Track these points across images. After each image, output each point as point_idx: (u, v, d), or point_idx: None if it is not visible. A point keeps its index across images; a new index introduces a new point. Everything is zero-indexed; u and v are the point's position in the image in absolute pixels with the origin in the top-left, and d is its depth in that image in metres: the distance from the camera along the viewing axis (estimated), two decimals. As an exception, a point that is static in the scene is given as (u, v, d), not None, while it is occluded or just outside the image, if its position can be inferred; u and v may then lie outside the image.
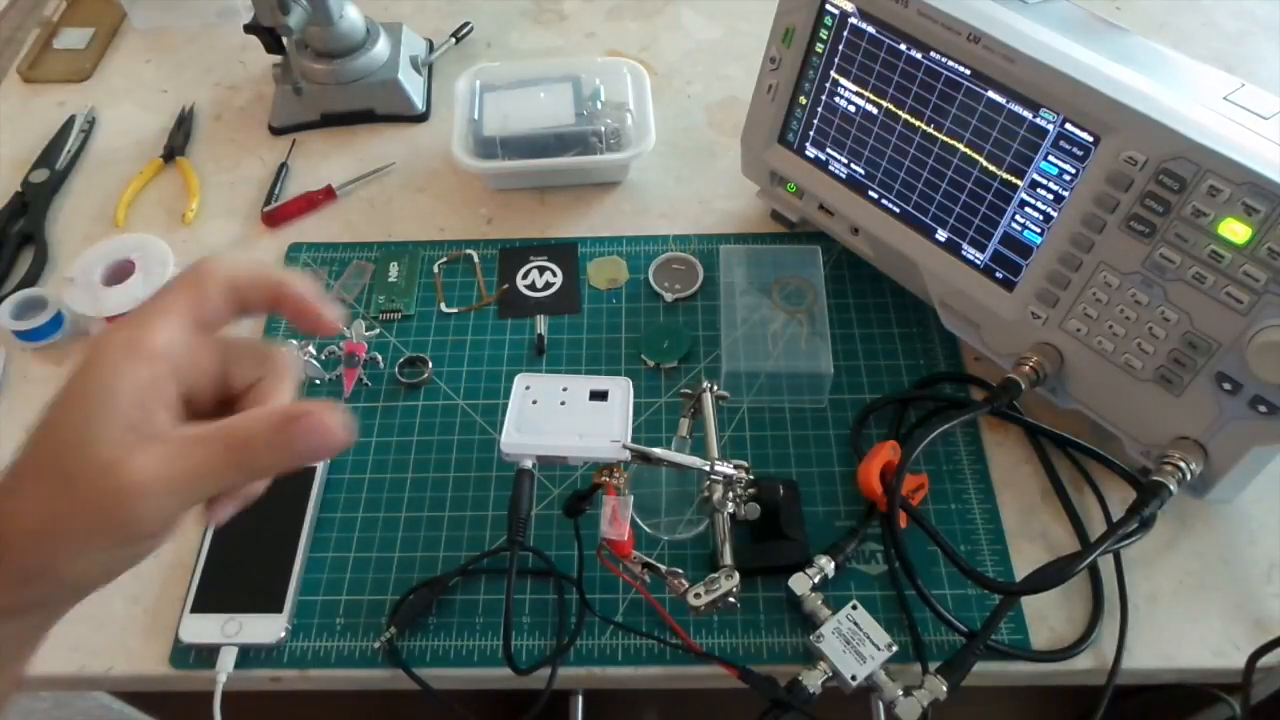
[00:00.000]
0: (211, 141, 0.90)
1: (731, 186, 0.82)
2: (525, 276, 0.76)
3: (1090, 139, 0.54)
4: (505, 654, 0.55)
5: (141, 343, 0.33)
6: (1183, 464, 0.55)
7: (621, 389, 0.57)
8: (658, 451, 0.51)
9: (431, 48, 0.96)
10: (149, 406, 0.33)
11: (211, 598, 0.58)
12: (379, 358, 0.71)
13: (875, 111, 0.64)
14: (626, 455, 0.51)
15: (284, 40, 0.84)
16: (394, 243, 0.80)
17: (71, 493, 0.32)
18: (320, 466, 0.64)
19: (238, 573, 0.60)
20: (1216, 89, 0.53)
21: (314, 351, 0.69)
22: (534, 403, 0.56)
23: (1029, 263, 0.60)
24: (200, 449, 0.33)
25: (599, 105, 0.82)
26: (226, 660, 0.56)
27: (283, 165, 0.86)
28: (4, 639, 0.34)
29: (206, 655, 0.57)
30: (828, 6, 0.64)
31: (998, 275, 0.62)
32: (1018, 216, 0.59)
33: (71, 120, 0.90)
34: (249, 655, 0.57)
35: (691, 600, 0.51)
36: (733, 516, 0.55)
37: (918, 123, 0.62)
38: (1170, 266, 0.52)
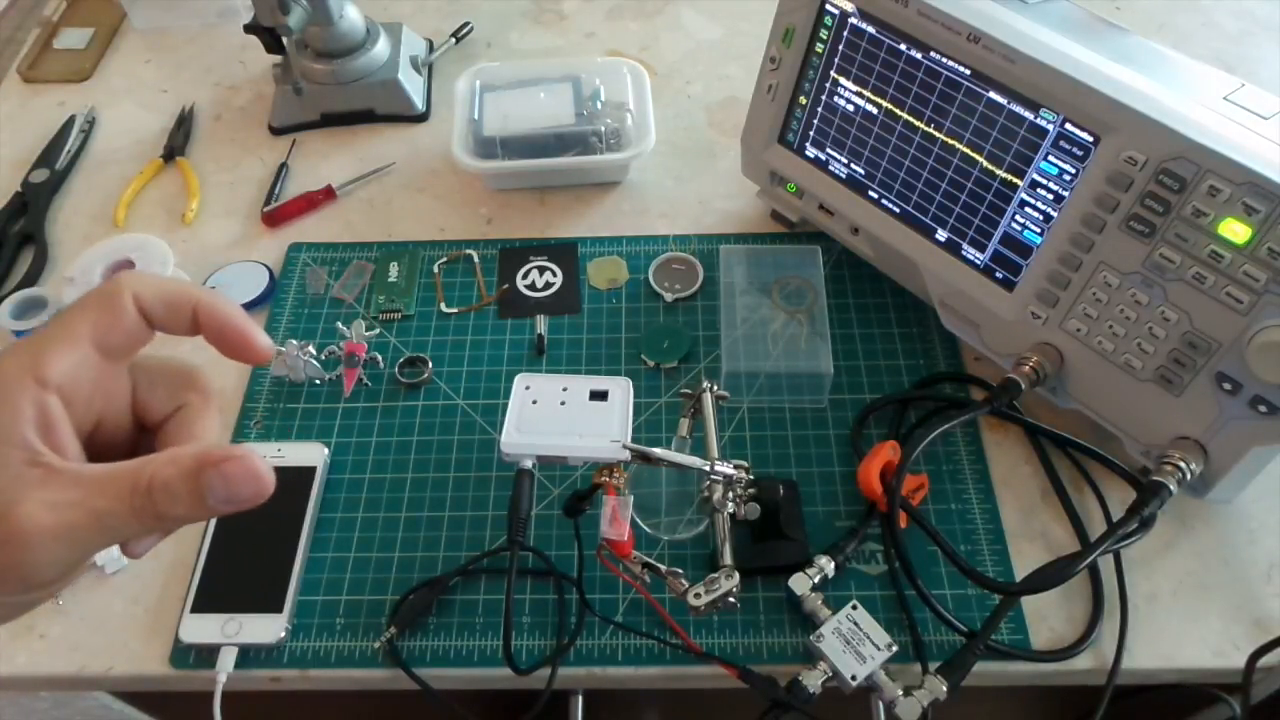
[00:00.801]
0: (211, 141, 0.90)
1: (731, 186, 0.82)
2: (525, 276, 0.76)
3: (1090, 139, 0.54)
4: (505, 654, 0.55)
5: (38, 369, 0.30)
6: (1183, 464, 0.55)
7: (621, 389, 0.57)
8: (658, 451, 0.51)
9: (431, 48, 0.96)
10: (45, 443, 0.30)
11: (211, 598, 0.58)
12: (379, 358, 0.71)
13: (875, 111, 0.64)
14: (626, 455, 0.51)
15: (284, 40, 0.84)
16: (394, 243, 0.80)
17: None
18: (320, 466, 0.64)
19: (238, 573, 0.60)
20: (1216, 89, 0.53)
21: (314, 351, 0.69)
22: (534, 403, 0.56)
23: (1029, 263, 0.60)
24: (102, 495, 0.29)
25: (599, 105, 0.82)
26: (226, 660, 0.56)
27: (283, 165, 0.86)
28: None
29: (206, 655, 0.57)
30: (828, 6, 0.64)
31: (998, 275, 0.62)
32: (1018, 216, 0.59)
33: (71, 120, 0.90)
34: (249, 655, 0.57)
35: (691, 600, 0.51)
36: (733, 516, 0.55)
37: (918, 123, 0.62)
38: (1170, 266, 0.52)
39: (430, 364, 0.71)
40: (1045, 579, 0.54)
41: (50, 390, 0.30)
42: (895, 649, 0.53)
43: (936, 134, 0.61)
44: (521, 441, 0.55)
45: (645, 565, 0.52)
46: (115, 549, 0.61)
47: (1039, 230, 0.58)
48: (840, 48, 0.65)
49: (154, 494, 0.30)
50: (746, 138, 0.74)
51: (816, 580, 0.56)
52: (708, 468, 0.53)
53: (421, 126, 0.90)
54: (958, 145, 0.61)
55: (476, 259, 0.78)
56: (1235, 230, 0.49)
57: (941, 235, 0.64)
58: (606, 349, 0.72)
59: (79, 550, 0.29)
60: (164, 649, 0.58)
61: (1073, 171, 0.56)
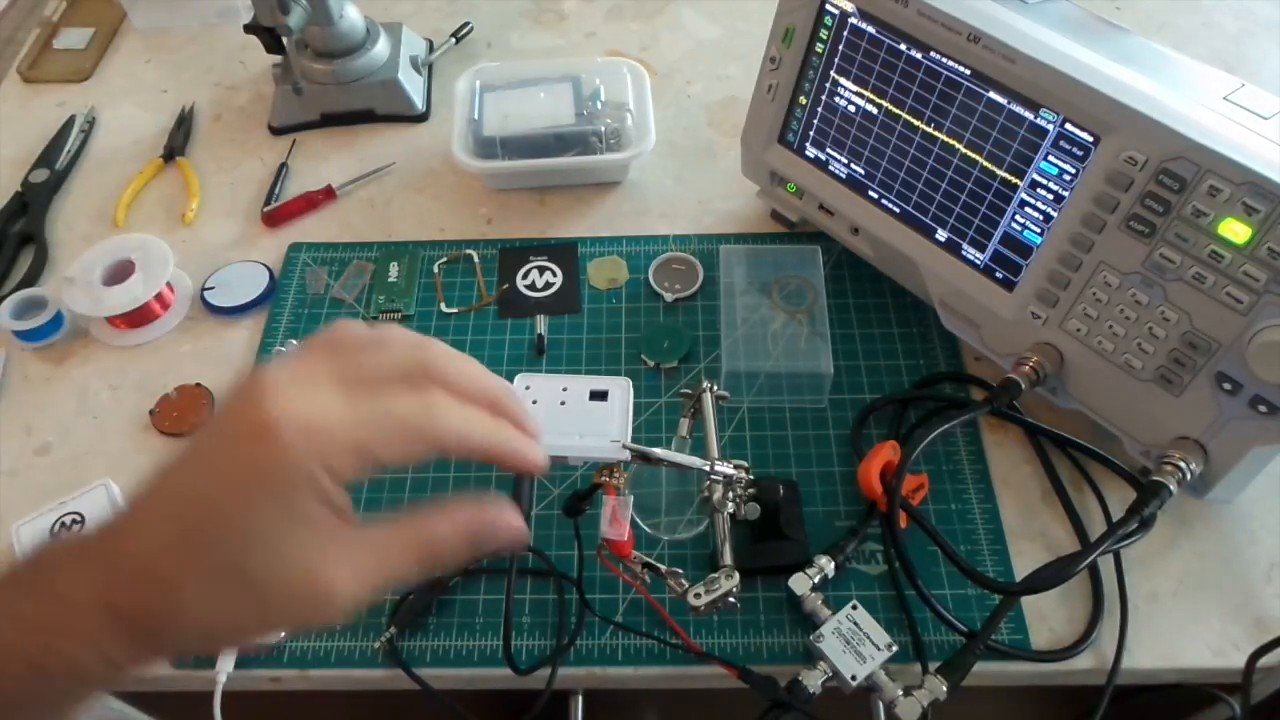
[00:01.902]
0: (211, 141, 0.90)
1: (731, 186, 0.82)
2: (525, 276, 0.76)
3: (1090, 139, 0.54)
4: (505, 654, 0.55)
5: (318, 429, 0.32)
6: (1183, 464, 0.55)
7: (621, 389, 0.58)
8: (658, 451, 0.51)
9: (431, 48, 0.96)
10: (334, 504, 0.32)
11: (211, 598, 0.58)
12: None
13: (875, 111, 0.64)
14: (626, 455, 0.51)
15: (284, 40, 0.84)
16: (394, 243, 0.80)
17: (252, 596, 0.32)
18: (320, 466, 0.64)
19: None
20: (1216, 89, 0.53)
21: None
22: (534, 403, 0.56)
23: (1029, 263, 0.60)
24: (390, 553, 0.34)
25: (599, 105, 0.82)
26: (226, 660, 0.56)
27: (283, 165, 0.86)
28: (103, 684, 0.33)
29: (207, 655, 0.57)
30: (828, 6, 0.64)
31: (998, 275, 0.62)
32: (1018, 216, 0.59)
33: (71, 120, 0.90)
34: (249, 655, 0.57)
35: (691, 600, 0.51)
36: (733, 516, 0.55)
37: (918, 123, 0.62)
38: (1170, 266, 0.52)
39: (430, 364, 0.71)
40: (1045, 579, 0.54)
41: (338, 451, 0.32)
42: (895, 649, 0.53)
43: (936, 134, 0.61)
44: (521, 441, 0.55)
45: (645, 565, 0.52)
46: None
47: (1039, 230, 0.58)
48: (840, 48, 0.65)
49: (438, 554, 0.35)
50: (746, 138, 0.74)
51: (816, 580, 0.56)
52: (708, 468, 0.53)
53: (421, 126, 0.90)
54: (958, 145, 0.61)
55: (476, 259, 0.78)
56: (1235, 230, 0.49)
57: (941, 235, 0.64)
58: (606, 349, 0.72)
59: (368, 598, 0.33)
60: (164, 649, 0.58)
61: (1073, 171, 0.56)
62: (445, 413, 0.34)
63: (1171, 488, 0.54)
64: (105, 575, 0.31)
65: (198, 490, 0.32)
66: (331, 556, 0.32)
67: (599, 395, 0.62)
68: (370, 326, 0.37)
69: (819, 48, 0.66)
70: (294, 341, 0.69)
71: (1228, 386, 0.52)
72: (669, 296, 0.74)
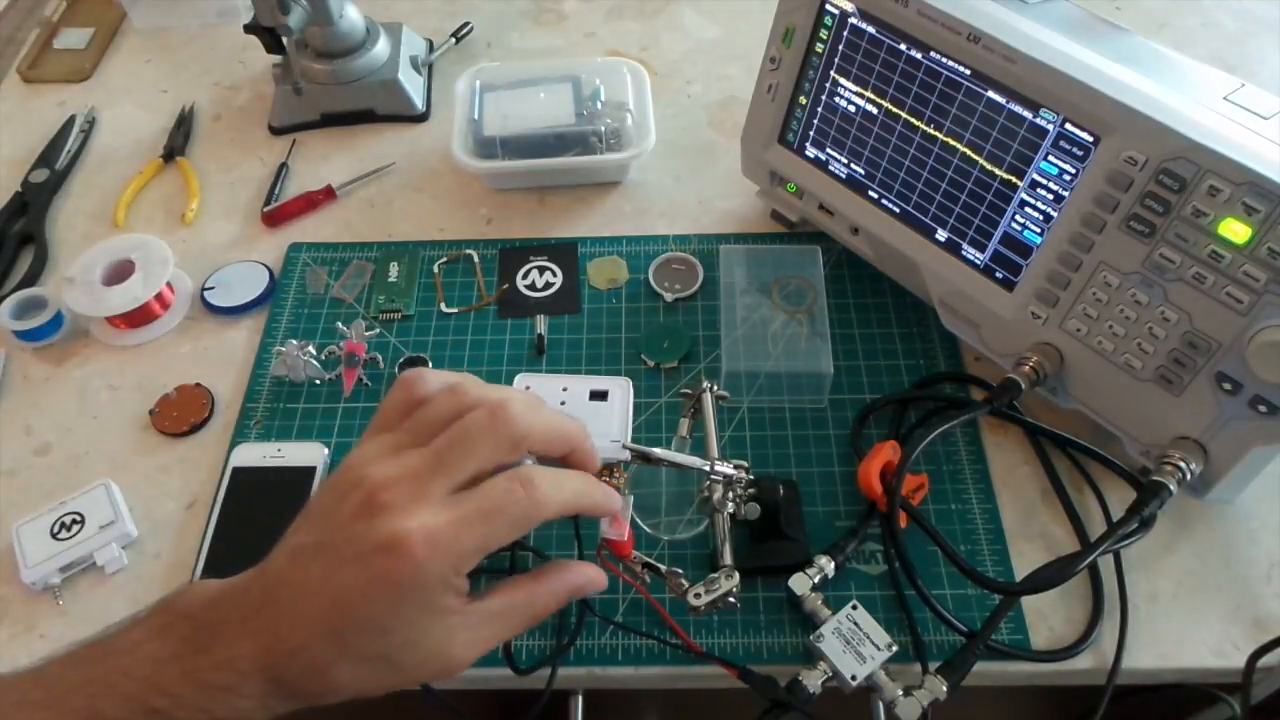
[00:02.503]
0: (211, 141, 0.90)
1: (731, 186, 0.82)
2: (525, 276, 0.76)
3: (1090, 139, 0.54)
4: (505, 654, 0.55)
5: (461, 568, 0.38)
6: (1183, 464, 0.55)
7: (621, 389, 0.58)
8: (658, 451, 0.51)
9: (431, 48, 0.96)
10: (460, 590, 0.38)
11: (211, 598, 0.58)
12: (379, 358, 0.71)
13: (875, 111, 0.64)
14: (626, 455, 0.50)
15: (284, 40, 0.84)
16: (394, 243, 0.80)
17: (393, 673, 0.38)
18: (320, 466, 0.64)
19: (238, 573, 0.59)
20: (1216, 89, 0.53)
21: (314, 351, 0.69)
22: (534, 403, 0.56)
23: (1029, 263, 0.60)
24: (508, 623, 0.41)
25: (599, 105, 0.82)
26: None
27: (283, 165, 0.86)
28: None
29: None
30: (828, 6, 0.64)
31: (998, 275, 0.62)
32: (1018, 216, 0.59)
33: (71, 120, 0.90)
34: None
35: (691, 600, 0.51)
36: (733, 516, 0.55)
37: (918, 123, 0.62)
38: (1170, 266, 0.52)
39: (430, 364, 0.71)
40: (1045, 579, 0.54)
41: (458, 557, 0.38)
42: (895, 649, 0.53)
43: (936, 134, 0.61)
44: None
45: (645, 565, 0.52)
46: (115, 546, 0.62)
47: (1039, 230, 0.58)
48: (840, 48, 0.65)
49: (540, 617, 0.43)
50: (746, 138, 0.74)
51: (816, 580, 0.56)
52: (708, 468, 0.53)
53: (421, 126, 0.90)
54: (958, 145, 0.61)
55: (476, 259, 0.78)
56: (1235, 230, 0.49)
57: (941, 235, 0.64)
58: (606, 349, 0.72)
59: (486, 651, 0.41)
60: (164, 649, 0.58)
61: (1073, 171, 0.56)
62: (543, 495, 0.39)
63: (1171, 488, 0.54)
64: (266, 653, 0.37)
65: (341, 596, 0.36)
66: (455, 636, 0.39)
67: (599, 395, 0.62)
68: (439, 380, 0.42)
69: (819, 48, 0.66)
70: (294, 342, 0.69)
71: (1228, 386, 0.52)
72: (669, 296, 0.74)
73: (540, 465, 0.43)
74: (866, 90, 0.64)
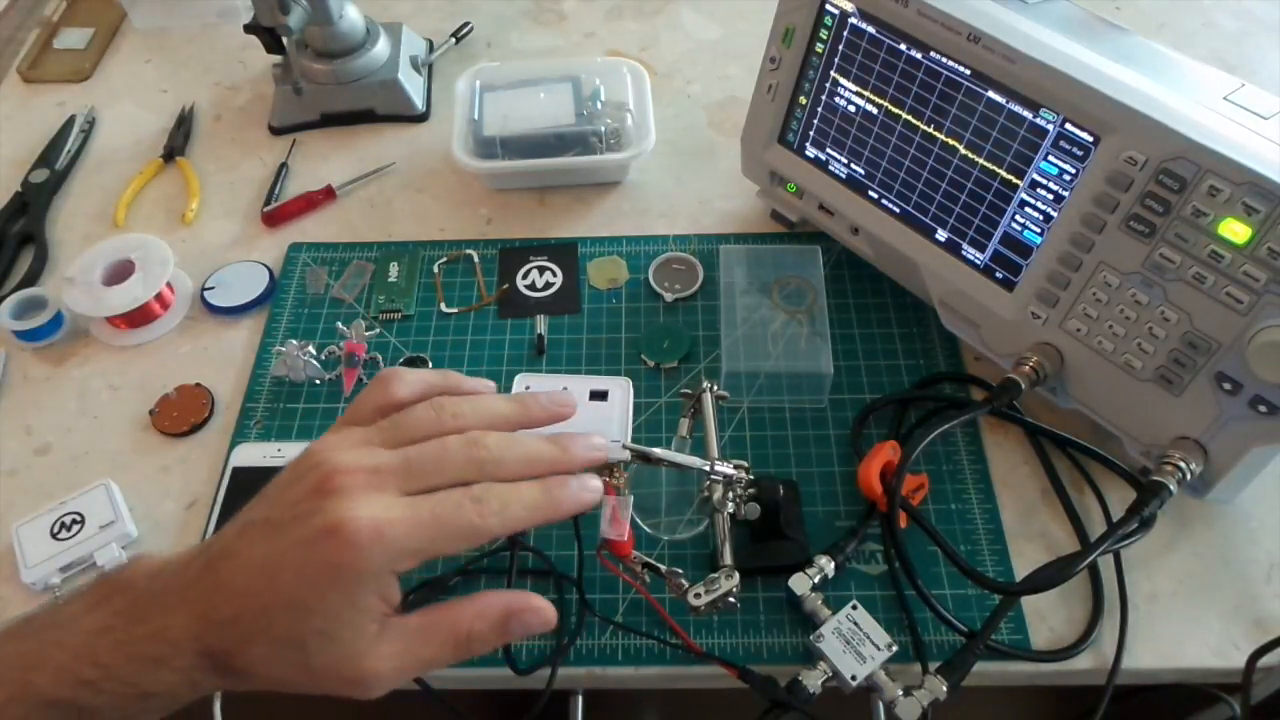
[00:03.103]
0: (211, 141, 0.90)
1: (731, 186, 0.82)
2: (525, 276, 0.76)
3: (1090, 139, 0.54)
4: (505, 654, 0.55)
5: (398, 566, 0.37)
6: (1183, 464, 0.55)
7: (621, 389, 0.58)
8: (658, 451, 0.51)
9: (431, 48, 0.96)
10: (388, 597, 0.38)
11: (211, 598, 0.58)
12: (379, 358, 0.71)
13: (875, 111, 0.64)
14: (626, 455, 0.50)
15: (284, 40, 0.84)
16: (394, 243, 0.80)
17: (306, 669, 0.37)
18: (320, 466, 0.64)
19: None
20: (1216, 89, 0.53)
21: (314, 351, 0.69)
22: (534, 403, 0.56)
23: (1029, 263, 0.60)
24: (429, 643, 0.39)
25: (599, 105, 0.82)
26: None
27: (283, 165, 0.86)
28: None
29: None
30: (828, 6, 0.64)
31: (998, 275, 0.62)
32: (1018, 216, 0.59)
33: (71, 120, 0.90)
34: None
35: (691, 600, 0.51)
36: (733, 516, 0.55)
37: (918, 123, 0.62)
38: (1170, 266, 0.52)
39: (430, 364, 0.71)
40: (1045, 579, 0.54)
41: (397, 555, 0.37)
42: (895, 649, 0.53)
43: (936, 134, 0.61)
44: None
45: (645, 565, 0.52)
46: (115, 546, 0.62)
47: (1039, 230, 0.58)
48: (840, 48, 0.65)
49: (470, 643, 0.40)
50: (746, 138, 0.74)
51: (816, 580, 0.56)
52: (708, 468, 0.53)
53: (421, 126, 0.90)
54: (958, 145, 0.61)
55: (476, 259, 0.78)
56: (1235, 230, 0.49)
57: (941, 235, 0.64)
58: (606, 349, 0.72)
59: (403, 681, 0.39)
60: (164, 649, 0.58)
61: (1073, 171, 0.56)
62: (493, 511, 0.39)
63: (1171, 488, 0.54)
64: (199, 622, 0.37)
65: (279, 571, 0.36)
66: (374, 646, 0.37)
67: (599, 395, 0.62)
68: (418, 384, 0.42)
69: (819, 48, 0.66)
70: (294, 342, 0.69)
71: (1228, 386, 0.52)
72: (669, 296, 0.74)
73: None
74: (866, 90, 0.64)
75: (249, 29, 0.83)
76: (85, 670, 0.36)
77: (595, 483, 0.44)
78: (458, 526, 0.38)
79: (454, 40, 0.97)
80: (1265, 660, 0.54)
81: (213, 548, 0.39)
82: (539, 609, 0.41)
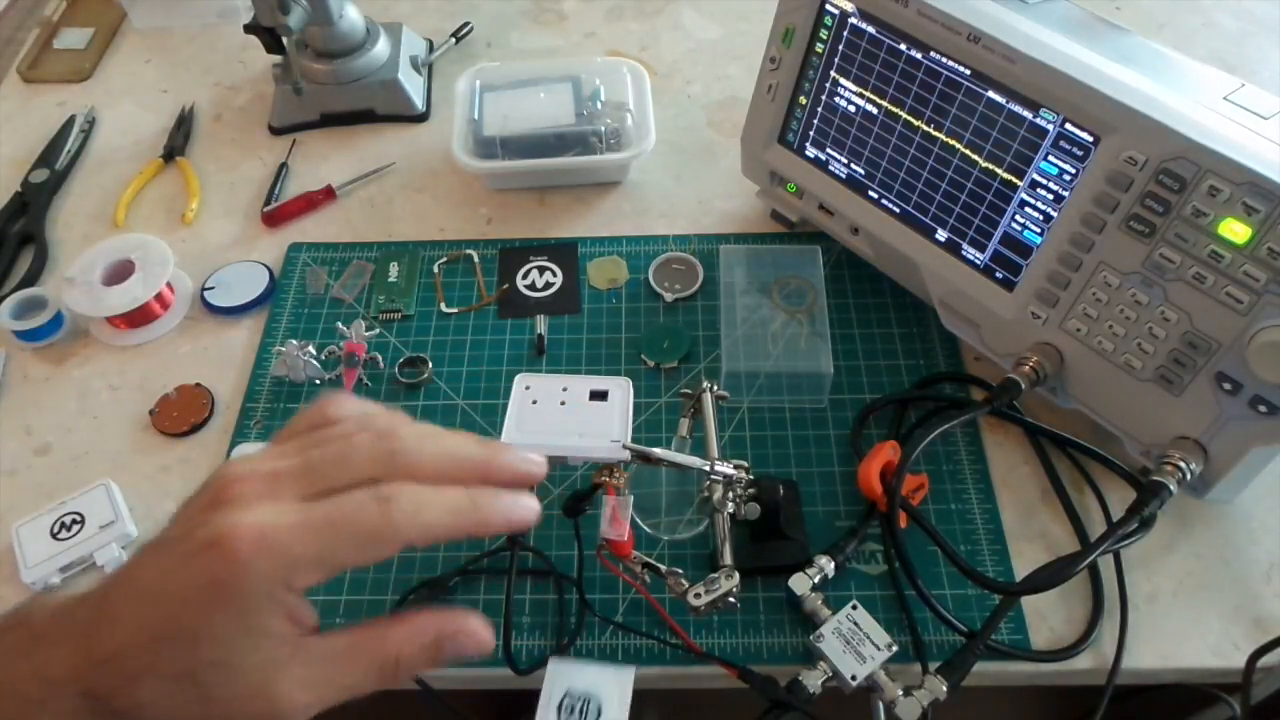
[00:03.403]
0: (211, 141, 0.90)
1: (731, 186, 0.82)
2: (525, 276, 0.76)
3: (1090, 139, 0.54)
4: (505, 654, 0.55)
5: (292, 582, 0.32)
6: (1183, 464, 0.55)
7: (621, 389, 0.57)
8: (658, 451, 0.51)
9: (431, 48, 0.96)
10: (297, 616, 0.33)
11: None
12: (379, 358, 0.71)
13: (875, 111, 0.64)
14: (626, 455, 0.51)
15: (284, 40, 0.84)
16: (394, 243, 0.80)
17: (203, 703, 0.32)
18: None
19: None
20: (1216, 89, 0.53)
21: (314, 351, 0.69)
22: (534, 403, 0.56)
23: (1029, 263, 0.60)
24: (349, 670, 0.34)
25: (599, 105, 0.82)
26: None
27: (283, 165, 0.86)
28: None
29: None
30: (828, 6, 0.64)
31: (998, 275, 0.62)
32: (1018, 216, 0.59)
33: (71, 120, 0.90)
34: None
35: (691, 600, 0.51)
36: (733, 516, 0.55)
37: (918, 123, 0.62)
38: (1170, 266, 0.52)
39: (430, 364, 0.71)
40: (1045, 579, 0.54)
41: (292, 563, 0.32)
42: (895, 649, 0.53)
43: (936, 134, 0.61)
44: (521, 441, 0.55)
45: (645, 565, 0.52)
46: (115, 546, 0.62)
47: (1039, 230, 0.58)
48: (840, 48, 0.65)
49: (398, 668, 0.35)
50: (746, 138, 0.74)
51: (816, 580, 0.56)
52: (708, 468, 0.53)
53: (421, 126, 0.90)
54: (958, 145, 0.61)
55: (476, 259, 0.78)
56: (1235, 230, 0.49)
57: (941, 235, 0.64)
58: (606, 349, 0.72)
59: (322, 708, 0.33)
60: (164, 649, 0.58)
61: (1073, 171, 0.56)
62: (403, 511, 0.33)
63: (1171, 488, 0.54)
64: (81, 660, 0.32)
65: (163, 595, 0.32)
66: (285, 672, 0.33)
67: (599, 395, 0.61)
68: (357, 409, 0.37)
69: (819, 48, 0.66)
70: (294, 342, 0.69)
71: (1228, 386, 0.52)
72: (669, 296, 0.74)
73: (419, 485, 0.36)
74: (866, 90, 0.64)
75: (249, 29, 0.83)
76: None
77: (532, 501, 0.38)
78: (359, 529, 0.33)
79: (454, 40, 0.97)
80: (1265, 660, 0.54)
81: (115, 575, 0.34)
82: (473, 632, 0.36)
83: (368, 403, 0.38)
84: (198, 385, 0.70)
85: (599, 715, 0.40)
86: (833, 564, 0.57)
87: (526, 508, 0.37)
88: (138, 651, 0.32)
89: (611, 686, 0.41)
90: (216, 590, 0.31)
